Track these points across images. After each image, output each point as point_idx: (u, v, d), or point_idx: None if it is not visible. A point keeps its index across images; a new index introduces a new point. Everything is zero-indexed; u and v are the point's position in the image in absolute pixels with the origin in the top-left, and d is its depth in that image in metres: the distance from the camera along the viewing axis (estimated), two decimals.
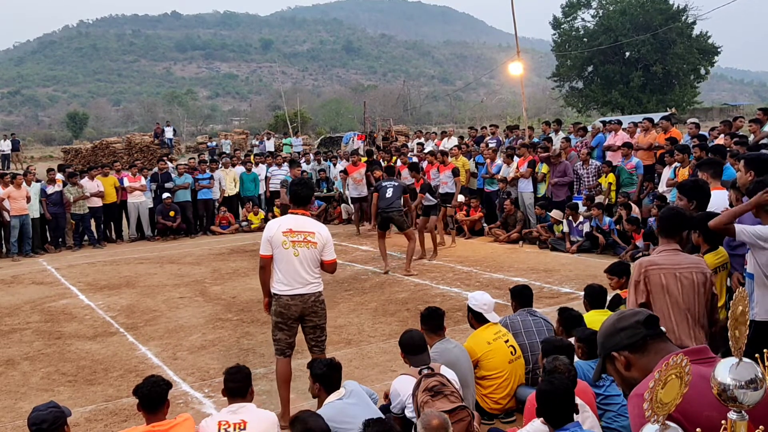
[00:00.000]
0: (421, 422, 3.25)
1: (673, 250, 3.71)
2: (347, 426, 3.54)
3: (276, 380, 5.02)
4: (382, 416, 3.90)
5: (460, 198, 13.04)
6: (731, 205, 4.97)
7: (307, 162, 17.53)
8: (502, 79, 75.51)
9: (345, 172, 14.68)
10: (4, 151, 30.25)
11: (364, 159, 14.97)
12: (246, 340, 6.98)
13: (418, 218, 11.35)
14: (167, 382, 3.71)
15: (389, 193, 9.70)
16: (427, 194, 10.79)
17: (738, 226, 3.83)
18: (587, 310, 5.26)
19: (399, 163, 14.92)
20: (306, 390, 5.35)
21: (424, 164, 14.16)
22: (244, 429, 3.55)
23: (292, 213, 4.95)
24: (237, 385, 3.77)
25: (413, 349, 4.25)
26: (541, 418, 3.30)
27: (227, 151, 25.15)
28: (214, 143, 32.18)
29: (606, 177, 11.46)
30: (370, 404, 3.96)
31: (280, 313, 4.81)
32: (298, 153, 21.98)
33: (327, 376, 3.98)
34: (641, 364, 1.91)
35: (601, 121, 15.06)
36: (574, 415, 3.28)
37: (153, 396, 3.59)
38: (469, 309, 4.94)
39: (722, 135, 10.31)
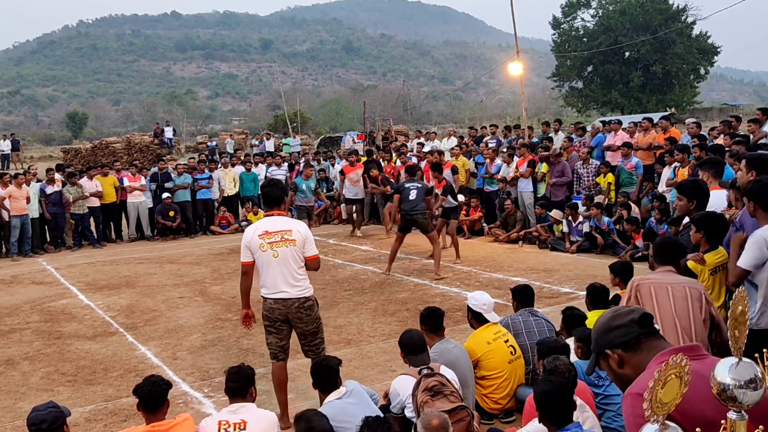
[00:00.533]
0: (421, 422, 3.25)
1: (667, 272, 3.73)
2: (346, 425, 3.54)
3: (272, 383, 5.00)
4: (382, 416, 3.90)
5: (460, 197, 13.04)
6: (729, 205, 4.97)
7: (307, 162, 17.53)
8: (502, 78, 75.57)
9: (342, 172, 14.50)
10: (3, 151, 30.23)
11: (364, 159, 14.93)
12: (246, 340, 6.97)
13: (434, 219, 11.20)
14: (167, 382, 3.71)
15: (413, 194, 9.38)
16: (449, 197, 10.58)
17: (744, 261, 3.79)
18: (589, 310, 5.24)
19: (399, 163, 14.92)
20: (306, 390, 5.36)
21: (423, 164, 14.16)
22: (244, 429, 3.55)
23: (267, 215, 4.88)
24: (237, 385, 3.77)
25: (413, 349, 4.25)
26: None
27: (230, 151, 25.18)
28: (214, 143, 32.19)
29: (605, 177, 11.46)
30: (370, 404, 3.96)
31: (266, 316, 4.77)
32: (298, 153, 21.96)
33: (315, 375, 3.99)
34: (634, 361, 1.92)
35: (601, 121, 15.07)
36: (574, 414, 3.28)
37: (153, 396, 3.59)
38: (469, 309, 4.93)
39: (722, 135, 10.31)
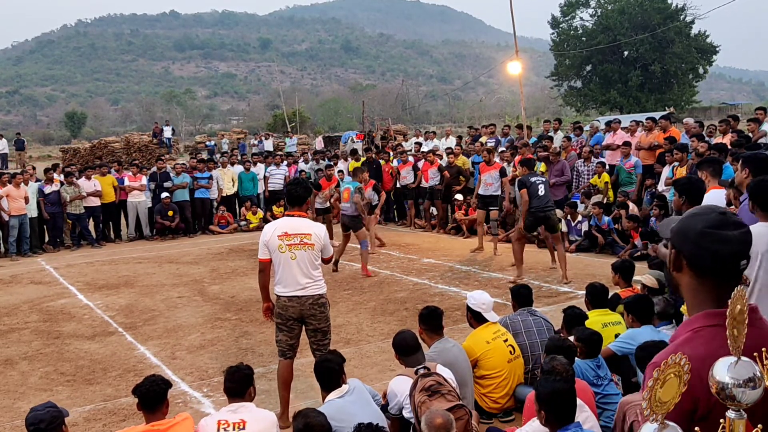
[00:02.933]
0: (425, 420, 3.24)
1: None
2: (345, 424, 3.54)
3: (276, 381, 5.01)
4: (382, 415, 3.90)
5: (459, 197, 13.05)
6: (728, 204, 4.98)
7: (306, 162, 17.55)
8: (501, 78, 75.64)
9: (318, 187, 12.58)
10: (1, 150, 30.09)
11: (363, 159, 14.86)
12: (245, 339, 6.97)
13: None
14: (167, 382, 3.71)
15: (542, 189, 8.61)
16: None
17: None
18: (588, 309, 5.24)
19: (395, 163, 14.89)
20: (306, 390, 5.37)
21: (421, 164, 14.16)
22: (243, 429, 3.55)
23: (288, 215, 4.89)
24: (234, 386, 3.76)
25: (407, 350, 4.25)
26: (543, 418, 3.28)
27: (226, 150, 25.18)
28: (213, 143, 32.17)
29: (599, 177, 11.46)
30: (371, 403, 3.96)
31: (279, 314, 4.79)
32: (294, 153, 21.97)
33: (317, 373, 4.01)
34: (686, 283, 1.69)
35: (598, 120, 15.06)
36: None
37: (152, 395, 3.59)
38: (468, 308, 4.93)
39: (721, 134, 10.32)
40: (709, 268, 1.62)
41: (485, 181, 11.18)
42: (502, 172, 11.30)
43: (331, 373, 3.93)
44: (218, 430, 3.55)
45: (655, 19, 41.42)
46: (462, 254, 11.05)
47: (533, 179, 8.71)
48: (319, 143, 26.60)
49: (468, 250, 11.30)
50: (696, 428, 1.39)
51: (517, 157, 12.80)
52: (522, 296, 5.33)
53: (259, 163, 16.39)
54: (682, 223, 1.70)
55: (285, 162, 16.53)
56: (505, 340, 4.82)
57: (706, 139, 10.31)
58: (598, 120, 15.44)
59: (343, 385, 3.92)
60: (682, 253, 1.67)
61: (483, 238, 11.34)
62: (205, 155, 23.34)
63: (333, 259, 5.04)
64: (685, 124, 12.07)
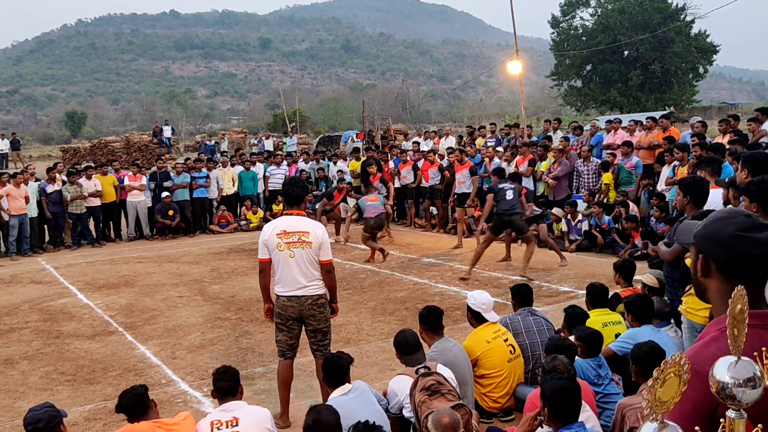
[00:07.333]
0: (432, 419, 3.23)
1: None
2: (347, 421, 3.56)
3: (276, 380, 5.00)
4: (385, 416, 3.90)
5: None
6: (725, 204, 4.98)
7: (306, 161, 17.55)
8: (501, 77, 75.63)
9: (330, 197, 13.46)
10: (1, 150, 30.12)
11: (363, 159, 14.85)
12: (245, 339, 6.97)
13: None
14: (143, 386, 3.74)
15: (510, 195, 9.06)
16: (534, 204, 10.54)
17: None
18: (589, 309, 5.24)
19: (393, 164, 14.87)
20: (305, 390, 5.38)
21: (421, 163, 14.17)
22: (236, 425, 3.55)
23: (286, 213, 4.89)
24: (227, 384, 3.78)
25: (407, 349, 4.25)
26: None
27: (225, 149, 25.14)
28: (213, 142, 32.17)
29: (603, 175, 11.46)
30: (374, 403, 3.96)
31: (279, 314, 4.78)
32: (294, 152, 21.94)
33: (326, 370, 4.00)
34: (715, 287, 1.65)
35: (598, 119, 15.04)
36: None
37: (134, 402, 3.60)
38: (469, 308, 4.93)
39: (721, 134, 10.32)
40: (742, 272, 1.59)
41: (458, 179, 11.99)
42: (472, 171, 11.90)
43: (340, 369, 3.92)
44: (212, 430, 3.54)
45: (655, 18, 41.39)
46: (462, 254, 11.05)
47: (502, 186, 9.30)
48: (266, 145, 25.60)
49: (468, 249, 11.30)
50: (696, 428, 1.39)
51: (518, 158, 12.86)
52: (522, 296, 5.33)
53: (259, 163, 16.40)
54: (709, 227, 1.65)
55: (285, 162, 16.55)
56: (506, 340, 4.83)
57: (707, 139, 10.32)
58: (598, 119, 15.41)
59: (347, 384, 3.92)
60: (711, 258, 1.64)
61: (462, 235, 12.00)
62: (204, 154, 23.28)
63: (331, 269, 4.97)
64: (690, 125, 12.06)
